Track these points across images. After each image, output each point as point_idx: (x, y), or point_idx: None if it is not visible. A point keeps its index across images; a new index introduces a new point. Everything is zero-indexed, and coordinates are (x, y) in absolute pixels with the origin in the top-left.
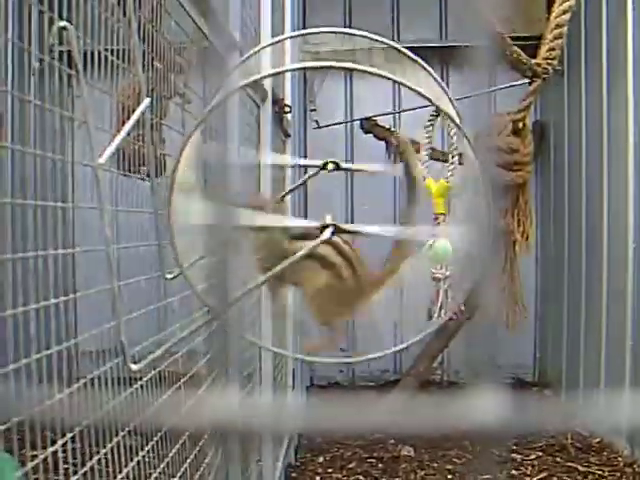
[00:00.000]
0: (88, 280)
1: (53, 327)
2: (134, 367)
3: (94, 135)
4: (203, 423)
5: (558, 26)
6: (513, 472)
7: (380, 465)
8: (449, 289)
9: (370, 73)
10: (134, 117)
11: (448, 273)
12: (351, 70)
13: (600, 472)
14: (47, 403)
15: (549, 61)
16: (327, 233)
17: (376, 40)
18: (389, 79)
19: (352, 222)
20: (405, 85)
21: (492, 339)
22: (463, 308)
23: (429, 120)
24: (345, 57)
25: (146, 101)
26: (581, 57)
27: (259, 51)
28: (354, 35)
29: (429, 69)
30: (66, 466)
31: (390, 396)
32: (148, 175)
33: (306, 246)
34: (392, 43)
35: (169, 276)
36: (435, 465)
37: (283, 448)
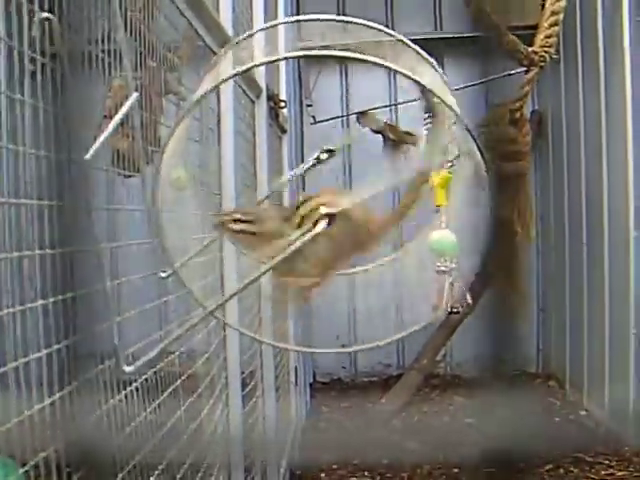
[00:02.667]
0: (87, 280)
1: (41, 329)
2: (127, 369)
3: (80, 132)
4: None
5: (554, 13)
6: (520, 464)
7: (385, 462)
8: (454, 282)
9: (367, 62)
10: (121, 112)
11: (453, 265)
12: (348, 59)
13: (607, 462)
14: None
15: (546, 49)
16: (322, 224)
17: (375, 29)
18: (389, 69)
19: None
20: (406, 75)
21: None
22: (470, 301)
23: (426, 112)
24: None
25: (134, 95)
26: (577, 44)
27: (251, 36)
28: (354, 23)
29: (431, 60)
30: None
31: (392, 390)
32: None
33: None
34: (393, 32)
35: (163, 275)
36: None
37: (287, 446)
